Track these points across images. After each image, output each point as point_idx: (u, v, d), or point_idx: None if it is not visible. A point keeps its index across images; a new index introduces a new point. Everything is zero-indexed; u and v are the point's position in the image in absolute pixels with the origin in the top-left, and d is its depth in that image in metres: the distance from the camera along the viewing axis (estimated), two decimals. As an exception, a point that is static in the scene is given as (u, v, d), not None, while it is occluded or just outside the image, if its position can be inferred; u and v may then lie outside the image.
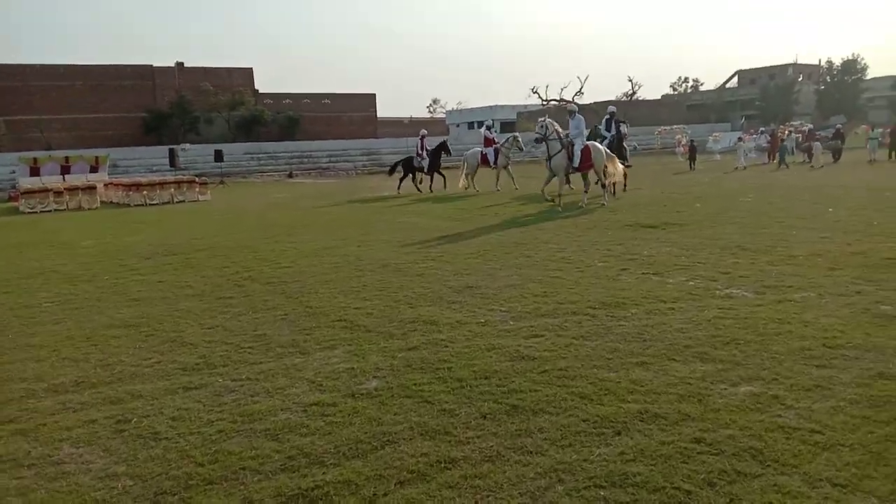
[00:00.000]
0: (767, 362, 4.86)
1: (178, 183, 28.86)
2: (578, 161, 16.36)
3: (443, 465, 3.53)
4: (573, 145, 16.36)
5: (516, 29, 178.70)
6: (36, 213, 25.53)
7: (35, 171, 35.51)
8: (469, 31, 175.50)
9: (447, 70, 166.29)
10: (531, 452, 3.62)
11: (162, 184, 28.58)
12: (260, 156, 50.73)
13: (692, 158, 32.08)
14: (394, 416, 4.18)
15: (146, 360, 5.65)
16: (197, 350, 5.89)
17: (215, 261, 10.77)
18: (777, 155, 29.63)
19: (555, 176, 16.39)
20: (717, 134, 42.82)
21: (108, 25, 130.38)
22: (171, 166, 42.34)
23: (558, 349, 5.38)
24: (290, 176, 45.54)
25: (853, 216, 12.22)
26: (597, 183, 17.53)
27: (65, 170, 35.70)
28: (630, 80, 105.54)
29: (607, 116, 19.98)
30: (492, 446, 3.71)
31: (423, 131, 26.53)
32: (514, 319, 6.35)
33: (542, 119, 16.49)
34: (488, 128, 26.17)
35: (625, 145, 19.54)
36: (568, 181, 21.64)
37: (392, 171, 26.39)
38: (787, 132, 32.63)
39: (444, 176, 24.71)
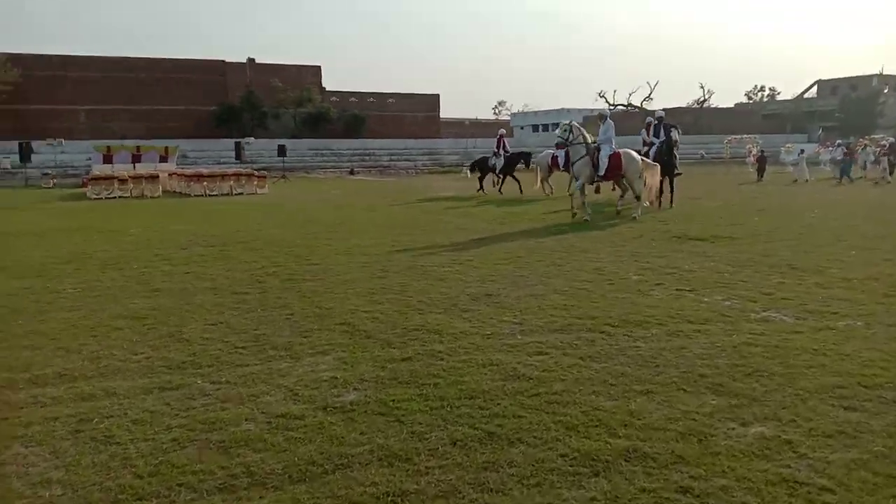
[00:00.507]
0: (789, 399, 4.32)
1: (237, 175, 29.36)
2: (604, 169, 15.13)
3: (391, 498, 3.19)
4: (599, 151, 15.11)
5: (589, 33, 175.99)
6: (101, 199, 26.35)
7: (108, 159, 36.77)
8: (543, 34, 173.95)
9: (514, 72, 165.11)
10: (492, 490, 3.24)
11: (222, 176, 29.13)
12: (324, 152, 51.45)
13: (761, 169, 30.69)
14: (358, 437, 3.86)
15: (136, 355, 5.51)
16: (190, 347, 5.72)
17: (247, 255, 10.70)
18: (842, 168, 28.18)
19: (584, 182, 15.14)
20: (789, 145, 40.82)
21: (183, 24, 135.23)
22: (236, 159, 43.27)
23: (559, 370, 4.95)
24: (352, 173, 45.93)
25: (926, 238, 11.25)
26: (622, 196, 16.65)
27: (136, 159, 36.84)
28: (701, 87, 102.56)
29: (654, 122, 19.06)
30: (451, 480, 3.34)
31: (502, 130, 26.05)
32: (524, 333, 5.95)
33: (567, 123, 15.47)
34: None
35: (675, 153, 18.36)
36: (597, 190, 20.73)
37: (472, 170, 26.81)
38: (862, 145, 30.73)
39: (517, 180, 23.50)
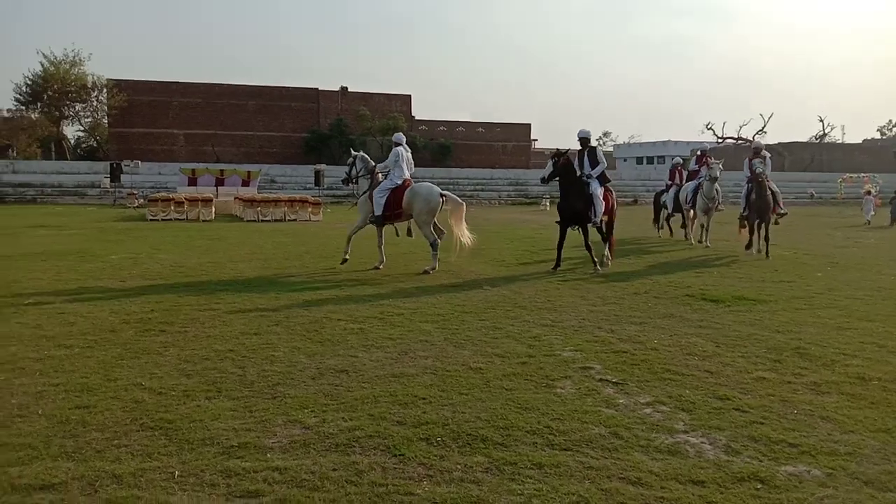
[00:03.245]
0: None
1: (291, 202, 28.86)
2: (380, 207, 11.64)
3: None
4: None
5: (699, 62, 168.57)
6: (157, 220, 26.48)
7: (192, 182, 37.63)
8: (647, 68, 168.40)
9: (618, 103, 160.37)
10: None
11: (275, 201, 28.72)
12: (410, 180, 50.78)
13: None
14: None
15: None
16: None
17: (144, 298, 9.37)
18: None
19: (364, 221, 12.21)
20: (915, 185, 35.86)
21: (278, 50, 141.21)
22: (316, 185, 43.33)
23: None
24: (433, 202, 44.84)
25: None
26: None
27: (219, 182, 37.45)
28: (820, 120, 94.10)
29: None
30: None
31: (678, 159, 21.37)
32: (285, 448, 4.08)
33: (353, 155, 12.55)
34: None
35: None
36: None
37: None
38: None
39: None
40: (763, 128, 65.01)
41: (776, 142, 64.47)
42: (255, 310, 8.16)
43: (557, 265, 12.06)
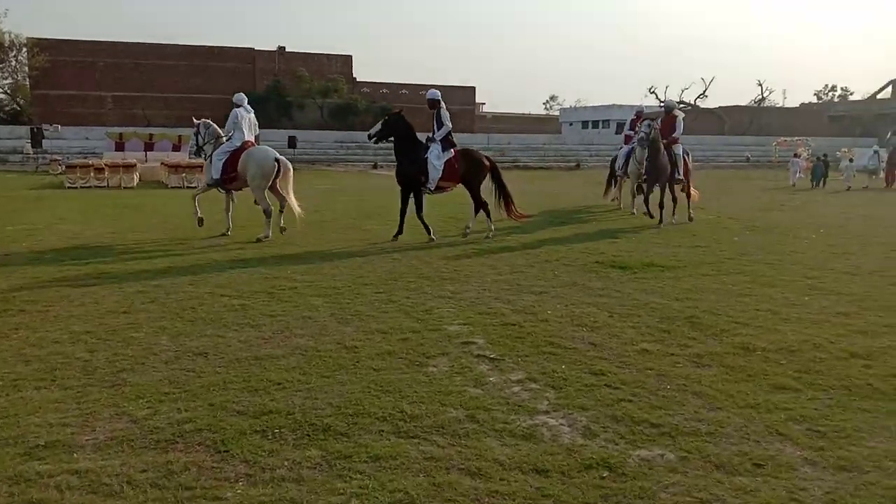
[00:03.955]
0: None
1: (219, 167, 27.82)
2: (218, 171, 11.32)
3: None
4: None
5: (647, 26, 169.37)
6: (76, 188, 25.17)
7: (120, 147, 36.12)
8: (603, 27, 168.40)
9: (568, 68, 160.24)
10: None
11: (201, 167, 27.62)
12: (349, 145, 49.57)
13: (818, 176, 27.31)
14: None
15: None
16: None
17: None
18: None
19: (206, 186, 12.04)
20: (844, 149, 36.65)
21: (212, 8, 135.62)
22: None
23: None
24: (375, 167, 44.16)
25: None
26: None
27: (148, 147, 36.08)
28: (759, 84, 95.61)
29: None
30: None
31: (641, 106, 19.63)
32: None
33: (200, 121, 11.96)
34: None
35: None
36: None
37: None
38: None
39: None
40: (704, 91, 65.86)
41: (718, 105, 65.37)
42: (135, 284, 7.62)
43: (399, 232, 11.28)
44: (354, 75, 56.97)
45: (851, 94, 75.50)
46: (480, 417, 4.05)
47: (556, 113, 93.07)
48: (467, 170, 11.51)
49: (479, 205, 11.80)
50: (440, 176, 11.14)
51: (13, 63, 49.45)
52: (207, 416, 4.01)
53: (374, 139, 11.22)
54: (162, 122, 47.64)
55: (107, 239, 11.27)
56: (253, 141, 11.63)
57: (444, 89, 57.99)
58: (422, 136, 11.46)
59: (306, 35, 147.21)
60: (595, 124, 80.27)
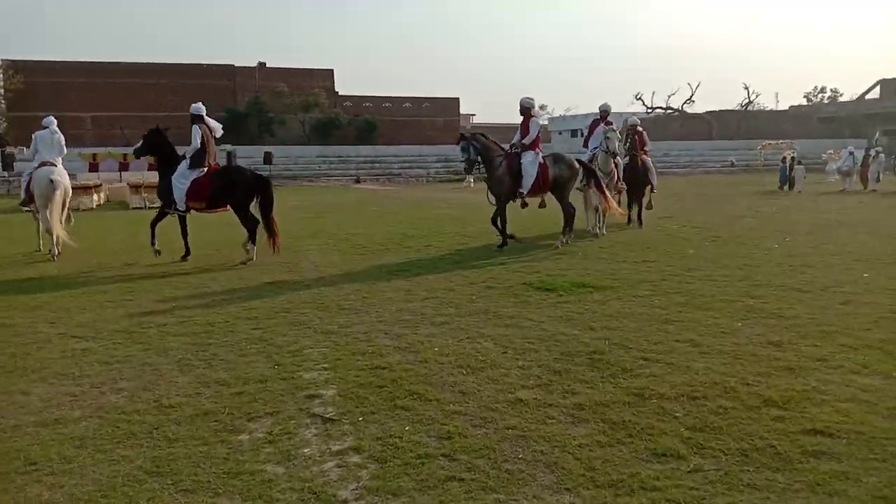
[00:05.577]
0: None
1: (184, 186, 26.99)
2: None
3: None
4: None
5: (631, 34, 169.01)
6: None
7: (94, 167, 35.55)
8: (594, 36, 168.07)
9: (557, 78, 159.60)
10: None
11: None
12: (332, 159, 48.72)
13: (789, 179, 26.74)
14: None
15: None
16: None
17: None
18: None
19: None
20: (830, 151, 35.81)
21: (192, 25, 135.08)
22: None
23: None
24: (357, 181, 43.44)
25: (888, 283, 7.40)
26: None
27: (123, 167, 35.48)
28: (746, 88, 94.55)
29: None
30: None
31: (635, 119, 17.13)
32: None
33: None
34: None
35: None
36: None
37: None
38: (874, 153, 25.84)
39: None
40: (691, 97, 65.16)
41: (704, 110, 64.58)
42: (-17, 326, 6.72)
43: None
44: (336, 89, 56.31)
45: (841, 95, 74.80)
46: (253, 512, 3.13)
47: (546, 122, 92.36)
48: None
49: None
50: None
51: (-13, 86, 48.80)
52: None
53: (137, 155, 12.20)
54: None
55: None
56: (52, 161, 11.44)
57: (430, 101, 57.14)
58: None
59: (289, 49, 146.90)
60: (584, 133, 79.59)
